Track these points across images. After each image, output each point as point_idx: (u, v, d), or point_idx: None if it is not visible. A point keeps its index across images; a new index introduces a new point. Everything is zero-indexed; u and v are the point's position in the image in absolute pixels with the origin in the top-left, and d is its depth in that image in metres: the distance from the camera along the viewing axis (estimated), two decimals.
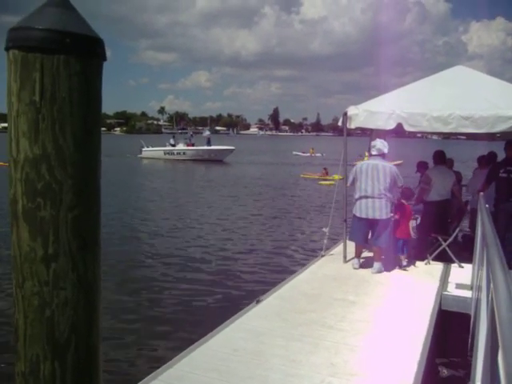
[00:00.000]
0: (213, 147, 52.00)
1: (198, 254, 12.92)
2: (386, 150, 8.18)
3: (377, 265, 8.12)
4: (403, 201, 8.52)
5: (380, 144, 8.14)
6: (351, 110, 8.44)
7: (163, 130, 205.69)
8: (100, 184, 1.64)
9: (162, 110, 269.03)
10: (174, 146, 53.21)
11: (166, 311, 8.73)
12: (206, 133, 57.38)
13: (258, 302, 6.46)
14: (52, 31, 1.46)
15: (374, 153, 8.20)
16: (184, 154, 51.47)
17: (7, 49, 1.51)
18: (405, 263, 8.39)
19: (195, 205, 21.72)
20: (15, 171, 1.52)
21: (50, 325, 1.57)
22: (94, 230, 1.62)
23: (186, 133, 58.12)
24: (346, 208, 9.00)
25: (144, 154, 53.99)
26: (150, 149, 54.68)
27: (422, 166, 10.74)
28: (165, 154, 52.39)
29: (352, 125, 8.45)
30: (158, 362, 5.11)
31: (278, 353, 4.95)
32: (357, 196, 8.21)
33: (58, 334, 1.58)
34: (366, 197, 8.04)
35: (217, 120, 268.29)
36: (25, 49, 1.47)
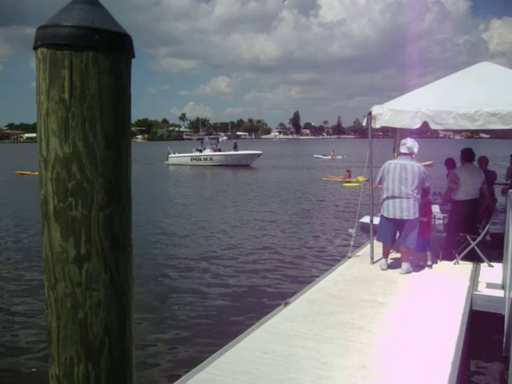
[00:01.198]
0: (240, 152, 51.96)
1: (226, 257, 12.91)
2: (415, 150, 8.06)
3: (405, 265, 8.02)
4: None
5: (411, 143, 8.02)
6: (376, 110, 8.35)
7: (184, 137, 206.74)
8: (131, 183, 1.61)
9: (182, 117, 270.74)
10: (200, 151, 53.23)
11: (195, 315, 8.71)
12: (224, 138, 57.47)
13: (286, 304, 6.41)
14: (80, 28, 1.44)
15: (403, 151, 8.07)
16: (211, 159, 51.52)
17: (35, 48, 1.49)
18: (431, 262, 8.30)
19: (223, 209, 21.75)
20: (46, 171, 1.49)
21: (83, 327, 1.54)
22: (125, 229, 1.59)
23: (213, 138, 58.14)
24: (373, 209, 8.92)
25: (171, 161, 54.19)
26: (177, 155, 54.86)
27: (450, 163, 10.57)
28: (191, 159, 52.48)
29: (377, 124, 8.36)
30: (187, 366, 5.09)
31: (308, 355, 4.90)
32: (384, 196, 8.10)
33: (92, 336, 1.55)
34: (394, 197, 7.94)
35: (238, 125, 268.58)
36: (53, 46, 1.44)
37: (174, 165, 52.61)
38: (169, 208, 22.37)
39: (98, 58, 1.46)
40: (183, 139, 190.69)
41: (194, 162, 51.90)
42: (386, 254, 8.32)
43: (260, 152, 52.00)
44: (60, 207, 1.49)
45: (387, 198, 8.04)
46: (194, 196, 26.79)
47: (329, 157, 64.86)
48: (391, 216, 8.01)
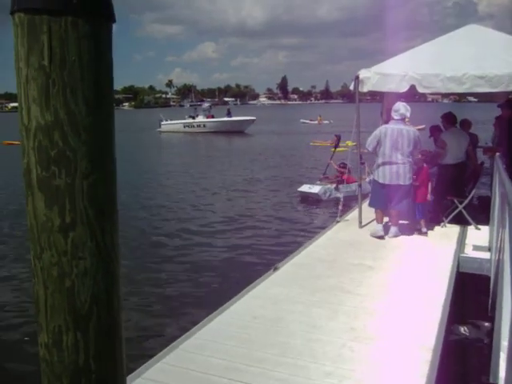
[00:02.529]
0: (233, 118, 51.45)
1: (215, 223, 12.97)
2: (408, 114, 7.99)
3: (394, 229, 8.06)
4: (425, 164, 8.38)
5: (403, 108, 7.88)
6: (363, 73, 8.30)
7: (171, 103, 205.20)
8: (115, 150, 1.59)
9: (169, 84, 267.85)
10: (193, 118, 52.67)
11: (184, 281, 8.78)
12: (205, 105, 56.94)
13: (275, 269, 6.46)
14: None
15: (396, 117, 7.94)
16: (204, 126, 50.97)
17: (12, 12, 1.45)
18: (422, 227, 8.32)
19: (213, 175, 21.74)
20: (27, 139, 1.47)
21: (70, 295, 1.54)
22: (110, 197, 1.58)
23: (201, 105, 57.45)
24: (360, 174, 8.94)
25: (163, 128, 53.46)
26: (169, 122, 54.19)
27: (435, 130, 10.59)
28: (184, 126, 51.91)
29: (364, 88, 8.32)
30: (177, 332, 5.14)
31: (297, 319, 4.96)
32: (380, 161, 7.98)
33: (79, 304, 1.55)
34: (391, 163, 7.85)
35: (225, 91, 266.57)
36: (31, 11, 1.40)
37: (166, 132, 51.99)
38: (158, 176, 22.34)
39: (78, 23, 1.42)
40: (170, 106, 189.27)
41: (187, 129, 51.28)
42: (380, 220, 8.23)
43: (254, 118, 51.53)
44: (43, 176, 1.46)
45: (383, 163, 7.95)
46: (184, 164, 26.69)
47: (316, 122, 64.63)
48: (387, 182, 7.94)
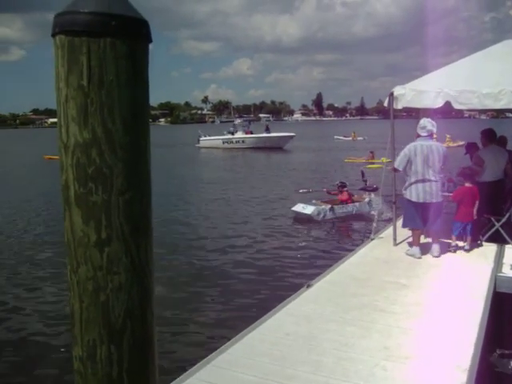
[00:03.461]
0: (272, 134, 51.30)
1: (249, 239, 12.98)
2: (435, 130, 7.91)
3: (436, 247, 7.85)
4: (467, 183, 8.20)
5: (429, 124, 7.77)
6: (398, 90, 8.26)
7: (208, 119, 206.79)
8: (150, 167, 1.62)
9: (205, 100, 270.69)
10: (232, 134, 52.68)
11: (218, 298, 8.80)
12: (238, 121, 56.95)
13: (308, 286, 6.43)
14: (97, 14, 1.44)
15: (424, 134, 7.82)
16: (243, 142, 50.95)
17: (54, 35, 1.50)
18: (464, 246, 8.17)
19: (251, 191, 21.77)
20: (66, 157, 1.51)
21: (105, 309, 1.57)
22: (145, 213, 1.61)
23: (245, 121, 57.50)
24: (395, 191, 8.86)
25: (202, 144, 53.53)
26: (208, 138, 54.31)
27: (471, 147, 10.45)
28: (223, 142, 51.98)
29: (399, 105, 8.26)
30: (211, 348, 5.15)
31: (330, 337, 4.93)
32: (412, 180, 7.74)
33: (114, 318, 1.58)
34: (423, 181, 7.67)
35: (260, 107, 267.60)
36: (71, 33, 1.45)
37: (205, 148, 52.00)
38: (197, 191, 22.46)
39: (116, 44, 1.46)
40: (205, 122, 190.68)
41: (226, 145, 51.33)
42: (417, 241, 7.96)
43: (293, 134, 51.15)
44: (81, 192, 1.51)
45: (416, 181, 7.72)
46: (224, 179, 26.72)
47: (350, 138, 64.22)
48: (421, 200, 7.74)
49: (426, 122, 7.85)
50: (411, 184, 7.80)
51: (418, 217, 7.89)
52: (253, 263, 10.85)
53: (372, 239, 8.97)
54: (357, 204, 15.78)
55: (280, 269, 10.37)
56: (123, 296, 1.58)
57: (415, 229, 8.02)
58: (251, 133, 52.35)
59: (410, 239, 8.33)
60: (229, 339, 4.88)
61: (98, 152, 1.48)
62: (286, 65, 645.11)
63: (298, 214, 15.30)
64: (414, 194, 7.79)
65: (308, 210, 14.96)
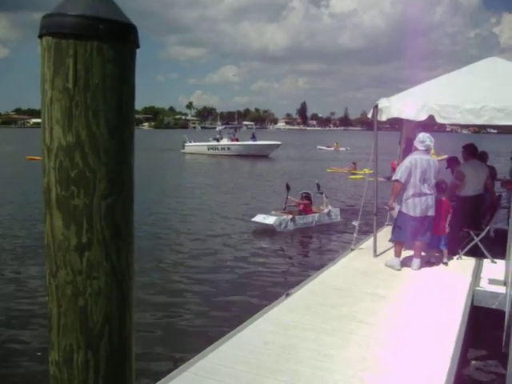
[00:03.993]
0: (259, 142, 51.02)
1: (229, 246, 12.95)
2: (432, 146, 7.94)
3: (417, 261, 7.89)
4: (441, 197, 8.27)
5: (428, 139, 7.78)
6: (382, 103, 8.32)
7: (190, 125, 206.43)
8: (133, 172, 1.62)
9: (189, 105, 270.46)
10: (218, 140, 52.43)
11: (195, 304, 8.76)
12: (220, 127, 56.79)
13: (287, 295, 6.43)
14: (85, 17, 1.44)
15: (421, 148, 7.82)
16: (229, 149, 50.71)
17: (40, 36, 1.50)
18: (446, 260, 8.24)
19: (234, 198, 21.73)
20: (49, 159, 1.50)
21: (83, 314, 1.56)
22: (127, 218, 1.60)
23: (230, 128, 57.26)
24: (376, 202, 8.91)
25: (187, 149, 53.21)
26: (193, 144, 53.97)
27: (452, 162, 10.57)
28: (208, 149, 51.66)
29: (383, 117, 8.32)
30: (187, 354, 5.12)
31: (308, 346, 4.93)
32: (410, 193, 7.74)
33: (92, 323, 1.57)
34: (420, 194, 7.70)
35: (244, 115, 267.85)
36: (58, 35, 1.45)
37: (190, 153, 51.69)
38: (177, 197, 22.38)
39: (103, 48, 1.46)
40: (188, 127, 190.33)
41: (211, 152, 51.03)
42: (399, 253, 8.05)
43: (279, 143, 51.13)
44: (62, 195, 1.49)
45: (413, 195, 7.73)
46: (207, 186, 26.61)
47: (332, 148, 64.59)
48: (419, 214, 7.75)
49: (425, 137, 7.84)
50: (409, 197, 7.78)
51: (411, 230, 7.89)
52: (230, 271, 10.82)
53: (352, 249, 9.01)
54: (316, 215, 15.71)
55: (260, 277, 10.35)
56: (102, 301, 1.57)
57: (401, 242, 8.06)
58: (237, 140, 52.10)
59: (390, 251, 8.38)
60: (206, 347, 4.85)
61: (81, 155, 1.47)
62: (271, 73, 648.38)
63: (258, 224, 14.91)
64: (411, 207, 7.77)
65: (269, 220, 14.62)
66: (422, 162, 7.73)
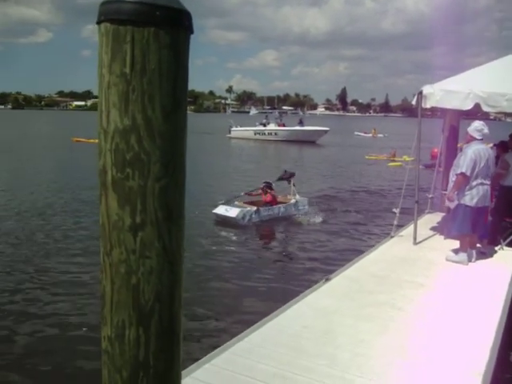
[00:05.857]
0: (307, 128, 50.40)
1: (269, 233, 12.97)
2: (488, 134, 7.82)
3: (473, 252, 7.78)
4: None
5: (485, 127, 7.62)
6: (426, 89, 8.20)
7: (231, 109, 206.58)
8: (185, 156, 1.65)
9: (229, 89, 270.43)
10: (264, 125, 52.06)
11: (238, 286, 8.85)
12: (253, 111, 56.19)
13: (326, 280, 6.45)
14: (143, 4, 1.47)
15: (479, 137, 7.64)
16: (276, 134, 50.19)
17: (99, 22, 1.54)
18: (482, 248, 8.12)
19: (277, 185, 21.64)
20: (105, 142, 1.55)
21: (135, 292, 1.61)
22: (179, 201, 1.64)
23: (268, 113, 56.58)
24: (417, 189, 8.83)
25: (233, 134, 52.88)
26: (240, 128, 53.68)
27: (503, 147, 10.28)
28: (255, 134, 51.25)
29: (427, 104, 8.21)
30: (229, 335, 5.20)
31: (346, 332, 4.95)
32: (473, 184, 7.55)
33: (143, 301, 1.62)
34: (482, 184, 7.56)
35: (284, 100, 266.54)
36: (116, 22, 1.48)
37: (236, 138, 51.37)
38: (222, 181, 22.42)
39: (159, 34, 1.49)
40: (232, 111, 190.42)
41: (258, 137, 50.47)
42: (466, 247, 7.73)
43: (327, 129, 50.16)
44: (118, 177, 1.54)
45: (475, 186, 7.56)
46: (251, 170, 26.41)
47: (370, 135, 63.48)
48: (480, 205, 7.60)
49: (481, 125, 7.65)
50: (471, 189, 7.60)
51: (471, 222, 7.69)
52: (271, 255, 10.88)
53: (392, 237, 8.96)
54: (282, 206, 14.56)
55: (300, 262, 10.38)
56: (154, 280, 1.61)
57: (465, 235, 7.80)
58: (284, 125, 51.52)
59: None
60: (246, 327, 4.92)
61: (136, 138, 1.51)
62: (311, 58, 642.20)
63: (219, 217, 13.57)
64: (475, 198, 7.59)
65: (232, 212, 13.33)
66: (483, 152, 7.58)
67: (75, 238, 11.90)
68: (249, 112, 59.07)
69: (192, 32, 1.62)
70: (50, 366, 6.06)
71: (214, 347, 4.61)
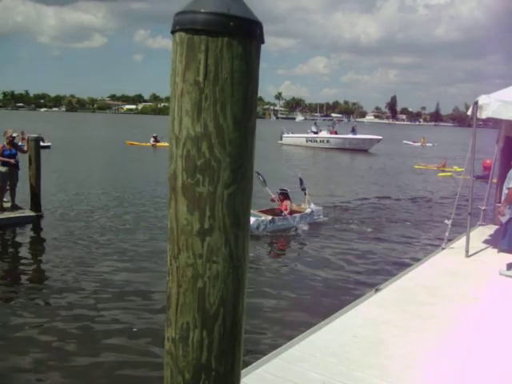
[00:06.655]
0: (359, 136, 49.78)
1: (318, 242, 12.90)
2: None
3: None
4: None
5: None
6: (482, 100, 8.05)
7: (279, 116, 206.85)
8: (253, 163, 1.68)
9: (278, 96, 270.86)
10: (316, 133, 51.81)
11: (288, 291, 8.84)
12: (299, 118, 55.91)
13: (376, 290, 6.40)
14: (217, 15, 1.50)
15: None
16: (328, 142, 49.83)
17: (173, 31, 1.58)
18: None
19: (331, 191, 21.59)
20: (177, 148, 1.59)
21: (201, 295, 1.63)
22: (246, 207, 1.67)
23: (316, 120, 56.31)
24: (471, 201, 8.66)
25: (285, 141, 52.70)
26: (292, 135, 53.64)
27: None
28: (307, 141, 51.03)
29: (483, 114, 8.05)
30: (278, 342, 5.21)
31: (398, 343, 4.90)
32: None
33: (208, 305, 1.64)
34: None
35: (333, 107, 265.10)
36: (191, 31, 1.52)
37: (287, 145, 51.13)
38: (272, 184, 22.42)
39: (233, 44, 1.52)
40: (277, 118, 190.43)
41: (310, 144, 50.26)
42: None
43: (380, 137, 49.61)
44: (188, 183, 1.57)
45: None
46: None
47: (418, 144, 62.36)
48: None
49: None
50: None
51: None
52: (322, 262, 10.83)
53: (443, 248, 8.81)
54: (297, 215, 14.08)
55: (351, 271, 10.31)
56: (219, 284, 1.64)
57: None
58: (336, 133, 51.09)
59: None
60: (296, 335, 4.92)
61: (208, 145, 1.54)
62: (362, 65, 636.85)
63: None
64: None
65: None
66: None
67: (135, 235, 12.22)
68: (294, 118, 58.56)
69: (263, 42, 1.65)
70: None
71: (264, 354, 4.62)
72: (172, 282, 1.69)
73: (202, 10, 1.52)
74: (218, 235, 1.61)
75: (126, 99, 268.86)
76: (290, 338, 4.88)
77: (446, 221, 8.99)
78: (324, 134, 51.28)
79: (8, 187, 13.52)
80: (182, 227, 1.62)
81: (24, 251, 11.30)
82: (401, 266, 9.10)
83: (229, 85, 1.54)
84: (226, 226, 1.61)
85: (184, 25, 1.54)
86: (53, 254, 10.70)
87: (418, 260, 8.48)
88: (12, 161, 13.18)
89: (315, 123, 54.76)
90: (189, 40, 1.53)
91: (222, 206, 1.59)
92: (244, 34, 1.55)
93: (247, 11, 1.57)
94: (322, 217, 14.84)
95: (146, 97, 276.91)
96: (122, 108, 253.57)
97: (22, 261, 10.59)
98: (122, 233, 12.79)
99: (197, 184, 1.57)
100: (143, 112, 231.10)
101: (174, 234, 1.66)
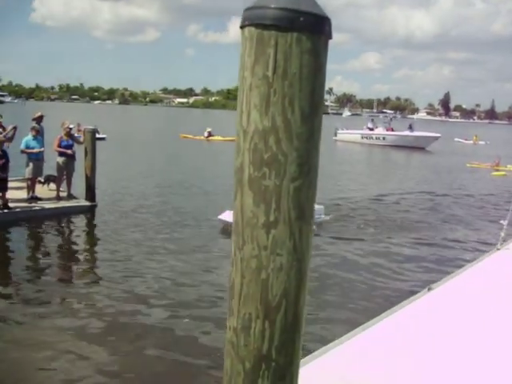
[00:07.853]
0: (417, 133, 48.45)
1: (368, 241, 12.82)
2: None
3: None
4: None
5: None
6: None
7: (329, 111, 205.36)
8: (319, 158, 1.69)
9: (330, 91, 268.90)
10: (371, 129, 51.04)
11: (338, 289, 8.84)
12: (346, 113, 55.01)
13: (429, 289, 6.31)
14: (287, 10, 1.52)
15: None
16: (383, 139, 48.87)
17: (242, 26, 1.61)
18: None
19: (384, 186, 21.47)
20: (244, 141, 1.61)
21: (264, 287, 1.66)
22: (310, 201, 1.69)
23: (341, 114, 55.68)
24: None
25: (339, 137, 51.63)
26: (346, 131, 52.82)
27: None
28: (362, 137, 50.33)
29: None
30: (326, 339, 5.21)
31: (453, 347, 4.81)
32: None
33: (271, 296, 1.67)
34: None
35: (384, 103, 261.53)
36: (260, 26, 1.54)
37: (342, 141, 49.98)
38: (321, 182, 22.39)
39: (302, 39, 1.54)
40: (328, 113, 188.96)
41: (365, 141, 49.47)
42: None
43: (438, 135, 48.18)
44: (254, 176, 1.60)
45: None
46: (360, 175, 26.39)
47: (470, 141, 60.82)
48: None
49: None
50: None
51: None
52: (371, 260, 10.75)
53: (498, 249, 8.60)
54: None
55: (403, 269, 10.21)
56: (282, 276, 1.67)
57: None
58: (392, 130, 49.97)
59: None
60: (344, 333, 4.90)
61: (275, 139, 1.57)
62: (415, 61, 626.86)
63: (226, 223, 11.68)
64: None
65: None
66: None
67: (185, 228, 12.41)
68: (341, 114, 57.81)
69: (331, 37, 1.66)
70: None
71: (323, 344, 4.62)
72: (236, 272, 1.73)
73: (272, 6, 1.54)
74: (283, 228, 1.64)
75: (178, 93, 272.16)
76: (339, 335, 4.85)
77: (502, 221, 8.78)
78: (380, 130, 50.35)
79: (64, 177, 13.92)
80: (247, 219, 1.66)
81: (77, 239, 11.66)
82: (453, 265, 8.94)
83: (297, 80, 1.56)
84: (291, 220, 1.64)
85: (253, 20, 1.57)
86: (104, 244, 10.99)
87: (468, 260, 8.32)
88: (69, 151, 13.58)
89: (372, 119, 53.73)
90: (258, 35, 1.56)
91: (288, 199, 1.62)
92: (313, 29, 1.57)
93: (316, 7, 1.59)
94: (323, 216, 14.31)
95: (198, 90, 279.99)
96: (173, 101, 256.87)
97: (74, 247, 10.98)
98: (174, 226, 12.97)
99: (263, 177, 1.60)
100: (194, 106, 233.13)
101: (238, 226, 1.69)
